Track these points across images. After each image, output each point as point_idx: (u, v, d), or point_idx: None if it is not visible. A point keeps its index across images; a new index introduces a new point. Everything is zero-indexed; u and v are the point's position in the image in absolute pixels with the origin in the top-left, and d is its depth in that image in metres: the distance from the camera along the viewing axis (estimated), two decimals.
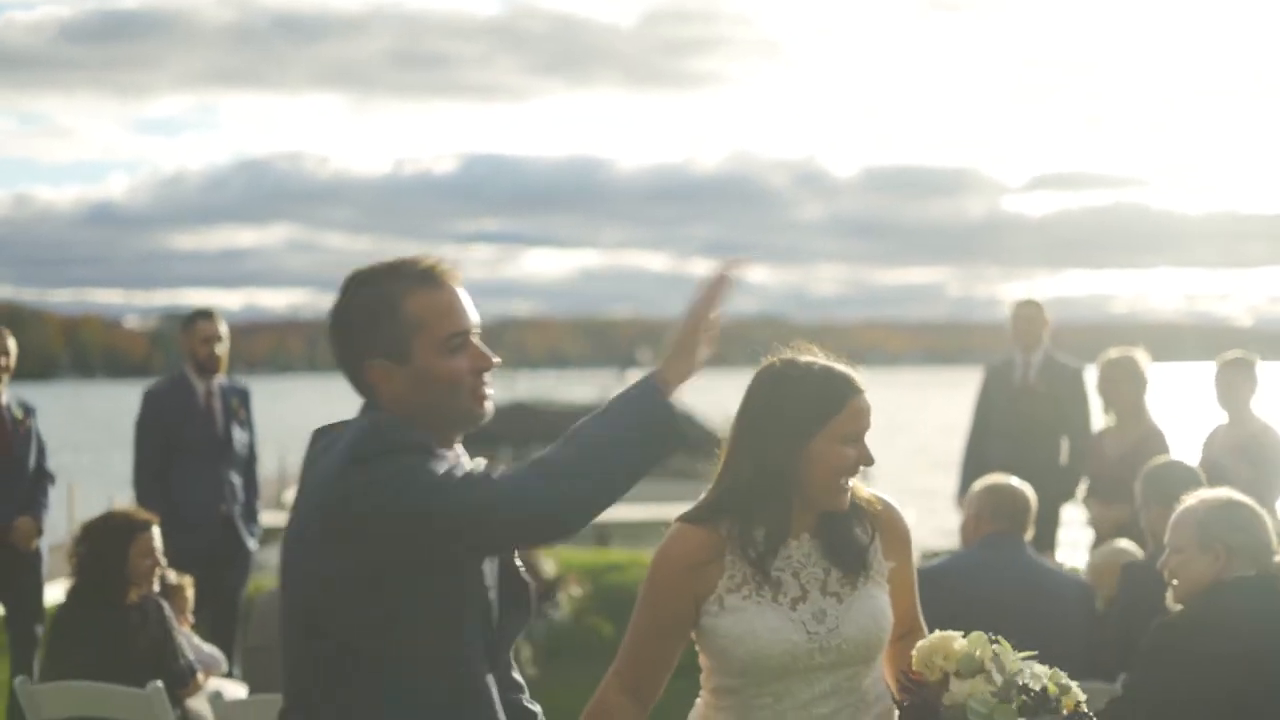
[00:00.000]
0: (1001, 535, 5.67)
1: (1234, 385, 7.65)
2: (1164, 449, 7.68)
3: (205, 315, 8.53)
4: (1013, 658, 3.36)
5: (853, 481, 3.52)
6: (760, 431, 3.48)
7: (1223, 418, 7.70)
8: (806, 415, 3.45)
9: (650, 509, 23.71)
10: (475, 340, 3.11)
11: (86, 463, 32.54)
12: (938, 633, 3.46)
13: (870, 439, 3.48)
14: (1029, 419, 8.77)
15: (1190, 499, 4.53)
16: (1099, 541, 7.58)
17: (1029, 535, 5.82)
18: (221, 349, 8.49)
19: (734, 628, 3.46)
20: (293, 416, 36.38)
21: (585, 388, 32.04)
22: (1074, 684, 3.37)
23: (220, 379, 8.59)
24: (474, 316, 3.13)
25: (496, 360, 3.10)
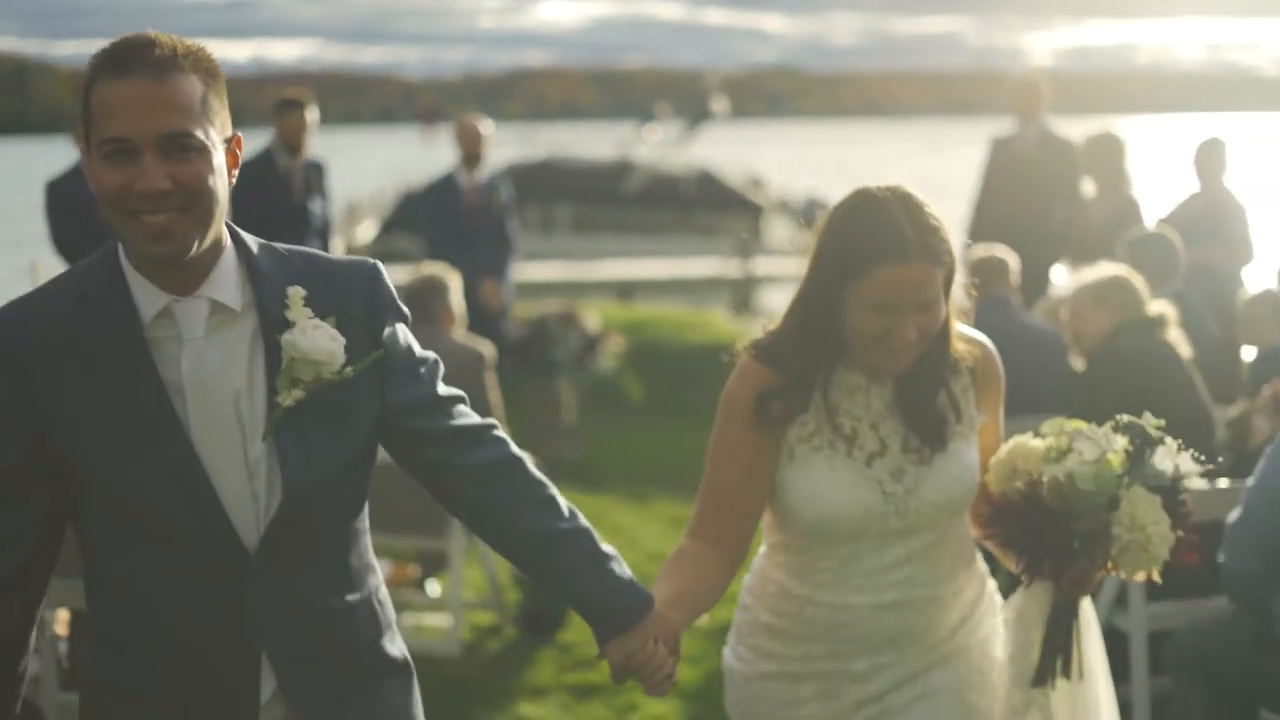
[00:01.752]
0: (988, 301, 6.25)
1: (1210, 161, 9.03)
2: (1139, 218, 8.74)
3: (297, 105, 9.39)
4: (1093, 430, 3.10)
5: (957, 324, 3.18)
6: (808, 271, 3.14)
7: (1196, 186, 9.10)
8: (835, 271, 3.07)
9: (672, 265, 23.71)
10: (146, 154, 2.45)
11: None
12: (1005, 445, 3.22)
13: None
14: (1026, 186, 9.61)
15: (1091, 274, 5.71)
16: None
17: (1017, 294, 6.84)
18: (308, 134, 9.38)
19: (801, 483, 3.14)
20: None
21: (604, 144, 31.58)
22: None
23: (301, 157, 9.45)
24: (165, 123, 2.44)
25: (164, 186, 2.44)
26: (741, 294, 20.07)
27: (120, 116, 2.45)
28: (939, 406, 3.17)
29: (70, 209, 8.16)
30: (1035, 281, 8.95)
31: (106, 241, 2.63)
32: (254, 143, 8.60)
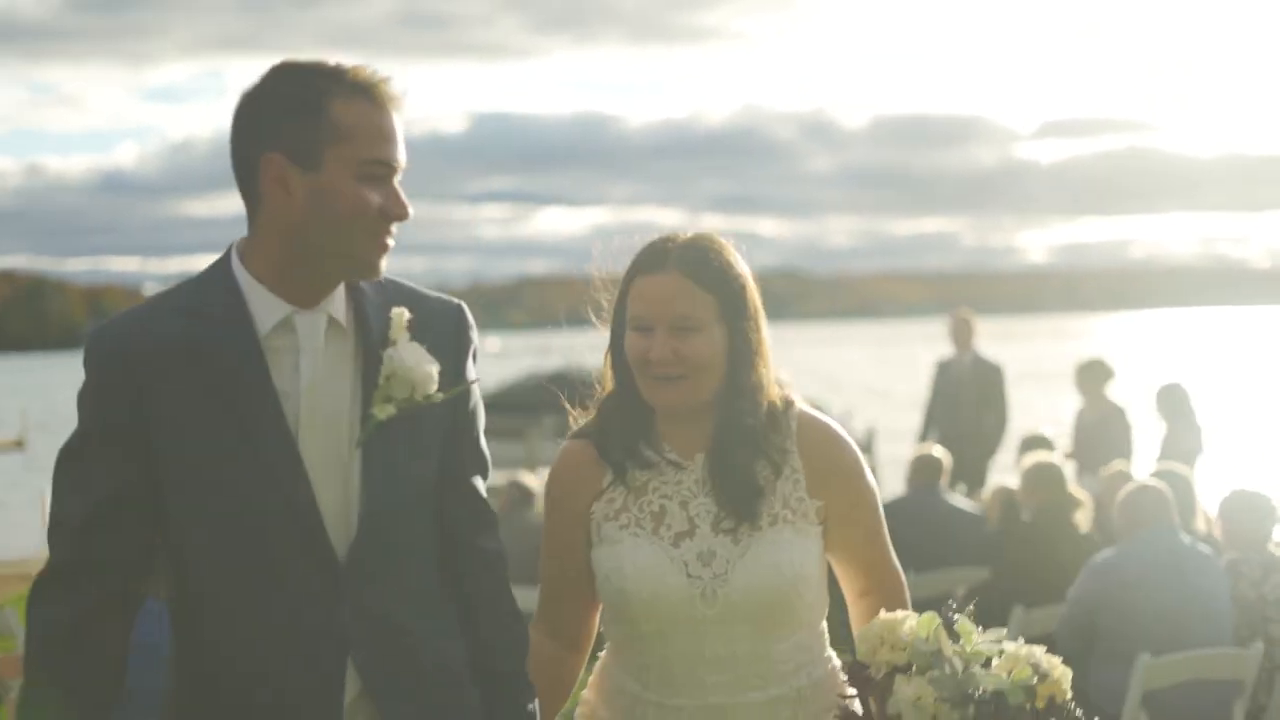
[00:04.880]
0: (920, 486, 8.92)
1: (1092, 378, 11.75)
2: (1124, 422, 11.55)
3: None
4: (976, 640, 2.73)
5: (800, 405, 3.05)
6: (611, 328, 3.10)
7: (1079, 402, 11.97)
8: (617, 309, 3.03)
9: None
10: (397, 184, 2.68)
11: None
12: (884, 614, 2.81)
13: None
14: (962, 402, 12.33)
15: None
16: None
17: (944, 482, 9.09)
18: None
19: (605, 563, 2.97)
20: None
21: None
22: (1058, 664, 2.74)
23: None
24: (403, 160, 2.68)
25: (410, 213, 2.68)
26: None
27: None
28: (753, 480, 2.94)
29: None
30: (975, 472, 12.14)
31: None
32: None
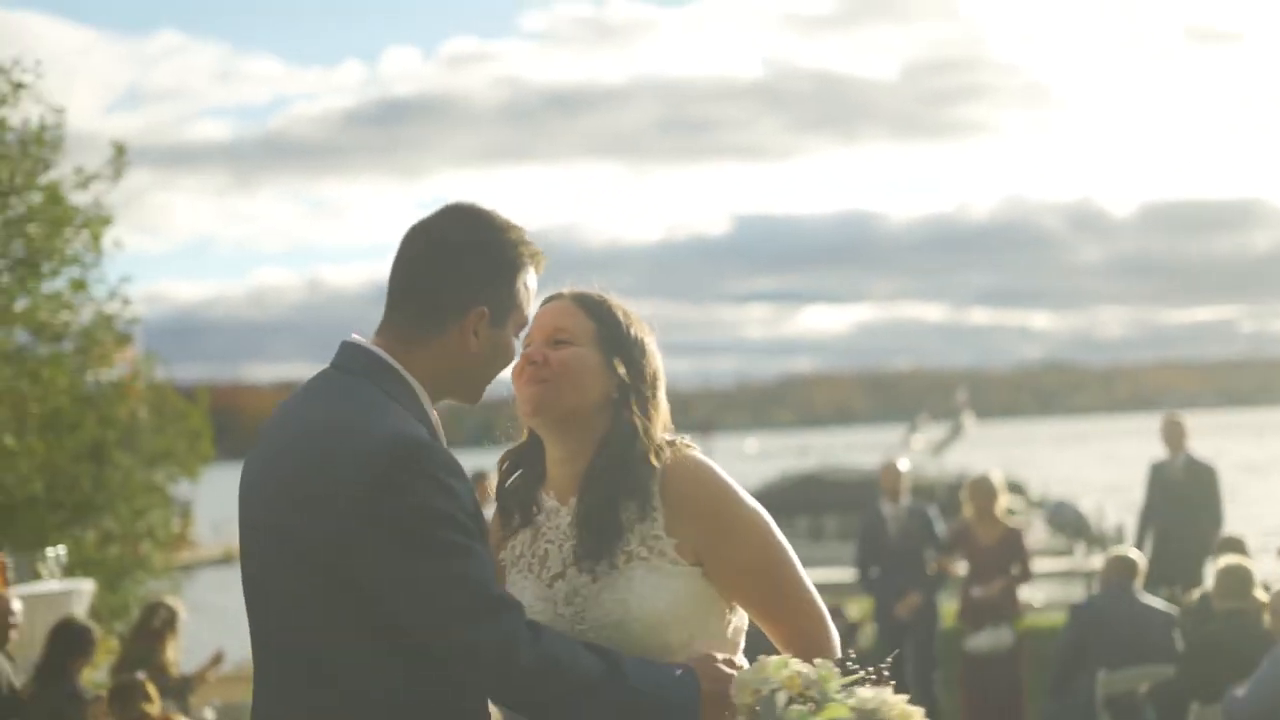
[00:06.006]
0: (1114, 586, 9.52)
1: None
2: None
3: None
4: (836, 684, 2.77)
5: (683, 449, 3.09)
6: None
7: None
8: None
9: None
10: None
11: None
12: (763, 658, 2.86)
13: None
14: (1178, 502, 12.57)
15: None
16: None
17: (1139, 582, 9.54)
18: None
19: None
20: None
21: (872, 454, 33.23)
22: (913, 713, 2.77)
23: None
24: None
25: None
26: None
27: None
28: (611, 519, 2.99)
29: None
30: (1189, 574, 12.11)
31: None
32: None
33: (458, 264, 2.92)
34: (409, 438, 2.76)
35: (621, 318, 3.12)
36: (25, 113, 14.77)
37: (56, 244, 14.58)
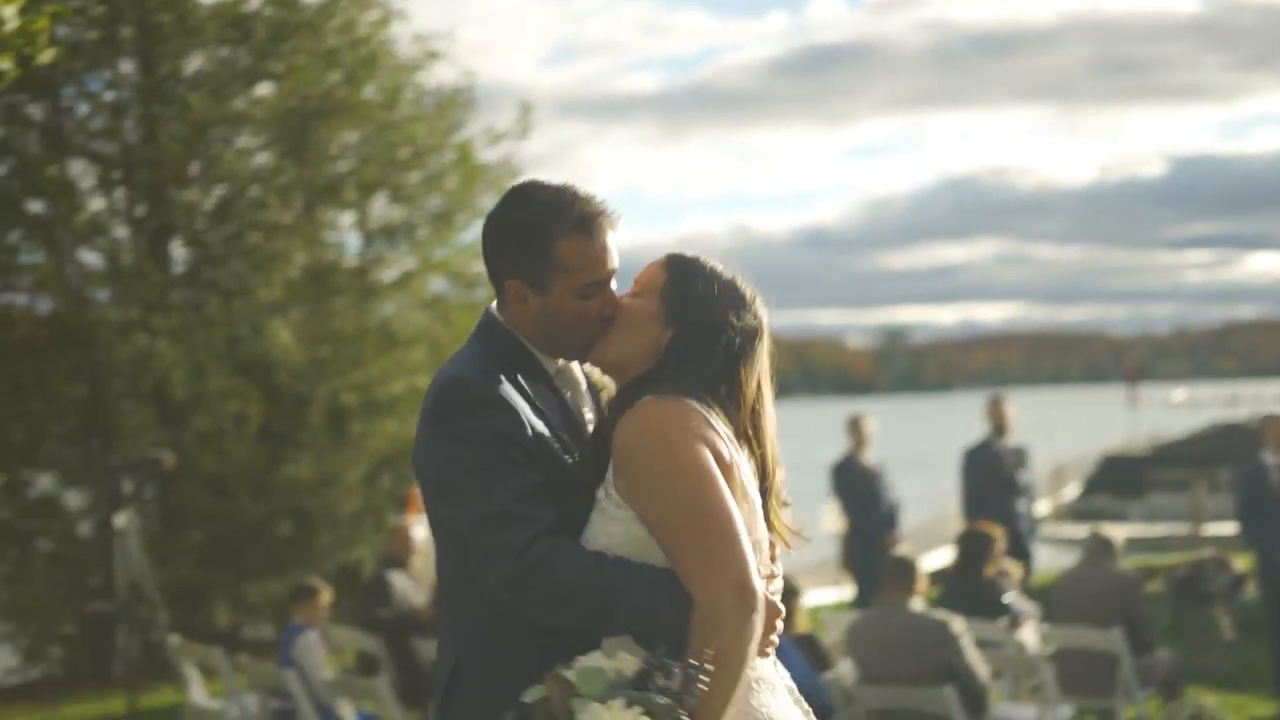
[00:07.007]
0: None
1: None
2: None
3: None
4: (599, 687, 2.80)
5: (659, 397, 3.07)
6: None
7: None
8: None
9: None
10: (612, 286, 3.20)
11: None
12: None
13: None
14: None
15: None
16: None
17: None
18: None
19: None
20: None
21: None
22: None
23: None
24: (615, 261, 3.19)
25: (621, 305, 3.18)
26: None
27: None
28: (589, 460, 3.15)
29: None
30: None
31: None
32: (963, 404, 10.46)
33: (492, 243, 3.22)
34: (454, 376, 3.11)
35: (699, 276, 3.15)
36: (440, 77, 15.88)
37: (469, 198, 15.71)
